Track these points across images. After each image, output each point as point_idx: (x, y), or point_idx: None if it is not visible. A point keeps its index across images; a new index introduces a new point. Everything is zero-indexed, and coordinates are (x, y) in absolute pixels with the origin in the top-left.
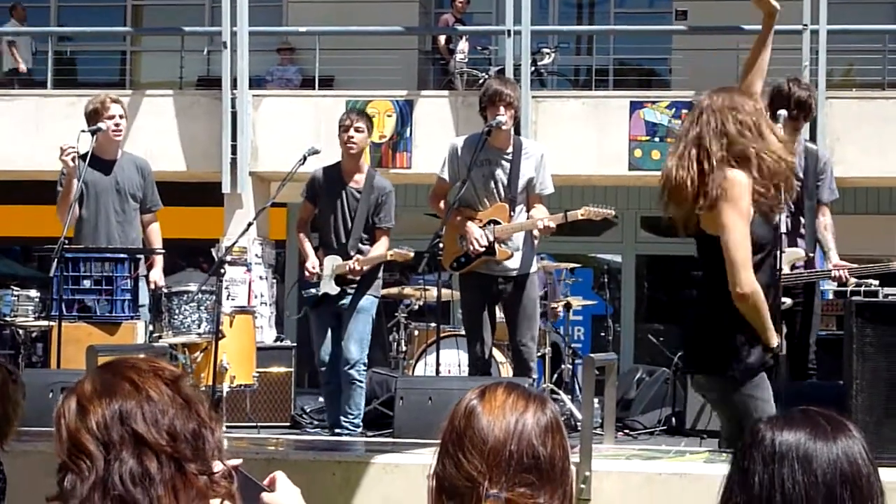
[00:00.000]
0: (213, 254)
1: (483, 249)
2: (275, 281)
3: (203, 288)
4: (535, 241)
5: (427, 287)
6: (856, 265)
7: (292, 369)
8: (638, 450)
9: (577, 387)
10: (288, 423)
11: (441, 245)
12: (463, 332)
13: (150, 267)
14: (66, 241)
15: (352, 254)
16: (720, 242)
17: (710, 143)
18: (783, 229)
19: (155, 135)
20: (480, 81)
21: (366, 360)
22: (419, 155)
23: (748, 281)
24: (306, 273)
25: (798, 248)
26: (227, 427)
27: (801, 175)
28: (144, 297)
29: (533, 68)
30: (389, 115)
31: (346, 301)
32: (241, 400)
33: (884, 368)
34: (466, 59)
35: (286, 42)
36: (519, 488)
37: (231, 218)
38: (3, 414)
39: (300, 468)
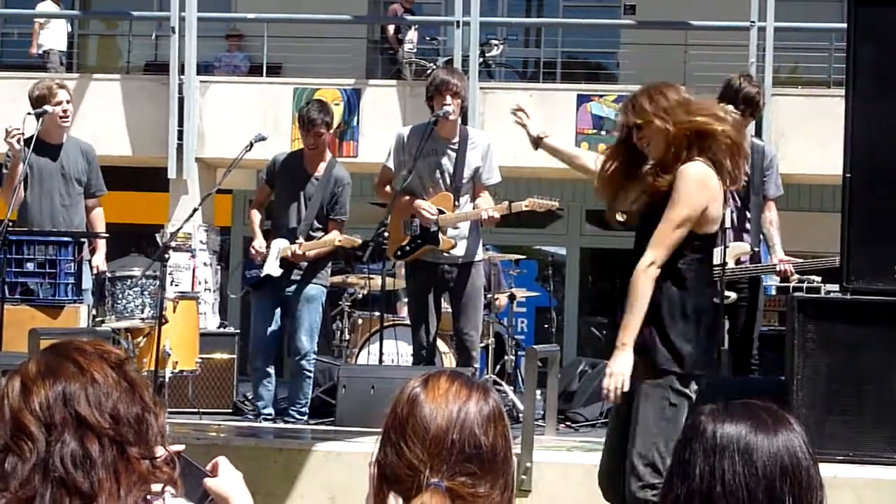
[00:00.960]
0: (158, 239)
1: (434, 217)
2: (219, 267)
3: (147, 273)
4: (480, 235)
5: (371, 276)
6: (800, 260)
7: (235, 356)
8: (579, 442)
9: (519, 378)
10: (230, 410)
11: (386, 234)
12: (407, 322)
13: (93, 251)
14: (10, 224)
15: (301, 240)
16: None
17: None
18: (728, 224)
19: (101, 119)
20: (428, 72)
21: (315, 349)
22: (366, 144)
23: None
24: (251, 252)
25: (743, 243)
26: (170, 413)
27: (747, 170)
28: (88, 282)
29: (481, 59)
30: (337, 104)
31: (292, 288)
32: (183, 386)
33: (825, 364)
34: (415, 49)
35: (234, 28)
36: (460, 477)
37: (176, 203)
38: None
39: (242, 455)
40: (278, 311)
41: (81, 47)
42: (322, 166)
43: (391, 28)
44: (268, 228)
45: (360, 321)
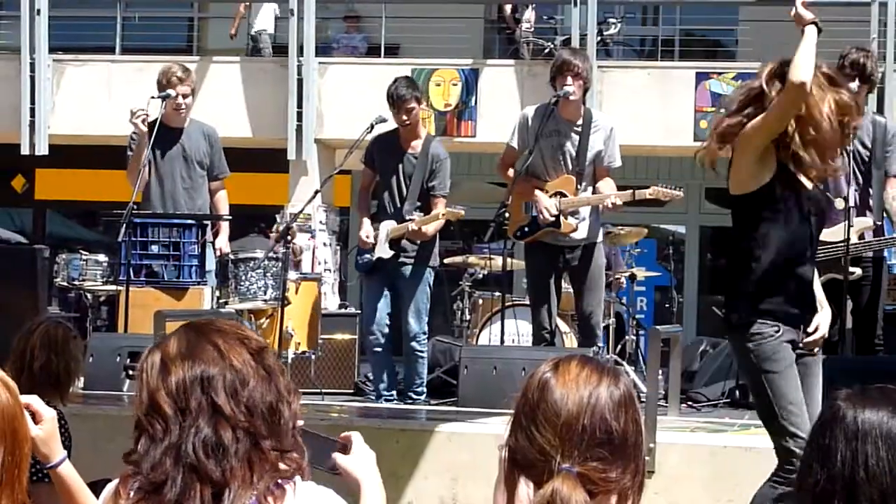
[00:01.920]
0: (278, 220)
1: (552, 219)
2: (338, 248)
3: (269, 255)
4: (599, 216)
5: (491, 256)
6: None
7: (356, 336)
8: (702, 422)
9: (640, 358)
10: (351, 390)
11: (507, 214)
12: (527, 302)
13: (216, 234)
14: (135, 207)
15: (407, 218)
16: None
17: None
18: (851, 203)
19: (221, 101)
20: (546, 51)
21: (426, 330)
22: (484, 124)
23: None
24: (360, 241)
25: (866, 218)
26: None
27: (868, 145)
28: (211, 263)
29: (599, 38)
30: (455, 84)
31: (403, 271)
32: (305, 367)
33: None
34: (532, 29)
35: (352, 10)
36: (591, 462)
37: (296, 185)
38: (65, 369)
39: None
40: (389, 292)
41: (201, 30)
42: (418, 143)
43: (508, 7)
44: (374, 211)
45: (480, 301)
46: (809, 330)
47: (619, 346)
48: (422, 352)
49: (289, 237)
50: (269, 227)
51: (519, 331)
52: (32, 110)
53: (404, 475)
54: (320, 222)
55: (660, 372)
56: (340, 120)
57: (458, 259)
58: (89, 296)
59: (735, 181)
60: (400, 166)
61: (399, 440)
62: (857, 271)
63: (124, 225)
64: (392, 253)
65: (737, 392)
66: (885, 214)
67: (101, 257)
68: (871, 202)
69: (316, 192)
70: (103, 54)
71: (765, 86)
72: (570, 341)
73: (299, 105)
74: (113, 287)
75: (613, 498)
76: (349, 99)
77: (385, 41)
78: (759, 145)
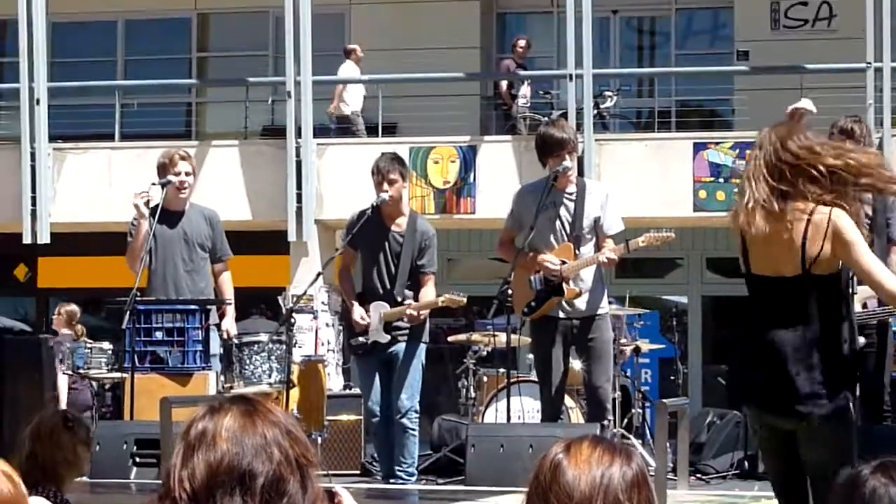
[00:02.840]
0: (280, 302)
1: (557, 267)
2: (341, 328)
3: (273, 338)
4: (604, 287)
5: (495, 333)
6: None
7: (361, 417)
8: (713, 495)
9: (647, 431)
10: (358, 471)
11: (510, 291)
12: (532, 378)
13: (221, 316)
14: (138, 293)
15: (399, 300)
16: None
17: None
18: None
19: (221, 184)
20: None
21: (417, 408)
22: (483, 200)
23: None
24: (355, 325)
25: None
26: None
27: (869, 213)
28: (215, 347)
29: (595, 111)
30: (453, 161)
31: (395, 349)
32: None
33: None
34: (529, 104)
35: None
36: None
37: (297, 266)
38: (51, 458)
39: None
40: (382, 371)
41: (199, 114)
42: (403, 220)
43: (504, 84)
44: (360, 292)
45: (485, 378)
46: None
47: (626, 420)
48: (413, 429)
49: (291, 320)
50: (270, 309)
51: (524, 407)
52: (34, 199)
53: None
54: (322, 303)
55: (667, 444)
56: (340, 200)
57: (462, 336)
58: (94, 383)
59: (815, 261)
60: (386, 245)
61: None
62: (862, 340)
63: (128, 312)
64: (388, 338)
65: (746, 463)
66: None
67: (106, 345)
68: None
69: (318, 275)
70: (103, 141)
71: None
72: (576, 416)
73: (298, 186)
74: (118, 374)
75: None
76: (348, 179)
77: (382, 121)
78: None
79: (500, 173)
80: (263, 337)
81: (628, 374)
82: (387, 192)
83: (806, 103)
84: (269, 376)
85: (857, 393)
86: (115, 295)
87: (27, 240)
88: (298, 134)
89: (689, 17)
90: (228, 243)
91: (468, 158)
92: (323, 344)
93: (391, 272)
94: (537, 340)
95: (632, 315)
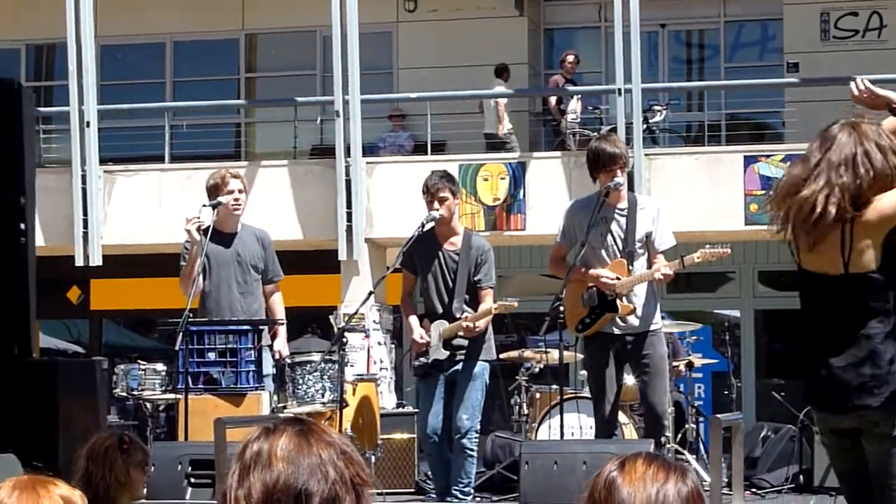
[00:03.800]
0: (332, 321)
1: (614, 280)
2: (393, 346)
3: (326, 357)
4: (657, 302)
5: (548, 349)
6: None
7: (415, 435)
8: None
9: (701, 446)
10: (412, 490)
11: (562, 308)
12: (585, 394)
13: (273, 336)
14: (191, 314)
15: (458, 316)
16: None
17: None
18: None
19: (271, 205)
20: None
21: (478, 428)
22: (533, 216)
23: None
24: (415, 345)
25: None
26: None
27: None
28: (268, 367)
29: (645, 126)
30: (503, 178)
31: (458, 367)
32: None
33: None
34: (578, 119)
35: (397, 108)
36: None
37: (348, 285)
38: (103, 480)
39: None
40: (444, 392)
41: (248, 135)
42: (457, 239)
43: (553, 99)
44: (421, 313)
45: (538, 395)
46: None
47: (680, 435)
48: (472, 450)
49: (343, 339)
50: (322, 329)
51: (578, 424)
52: (85, 222)
53: None
54: (374, 321)
55: (722, 459)
56: (390, 219)
57: (514, 353)
58: (148, 405)
59: (866, 259)
60: (442, 264)
61: None
62: None
63: (181, 333)
64: (447, 354)
65: (801, 477)
66: None
67: (160, 366)
68: None
69: (370, 294)
70: (153, 163)
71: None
72: (630, 433)
73: (348, 205)
74: (172, 395)
75: None
76: (398, 197)
77: (431, 138)
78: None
79: (550, 189)
80: (316, 356)
81: (682, 389)
82: (438, 210)
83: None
84: (323, 396)
85: None
86: (166, 316)
87: (79, 262)
88: (348, 153)
89: (737, 29)
90: (280, 263)
91: (518, 175)
92: (375, 363)
93: (449, 290)
94: (591, 357)
95: (683, 330)
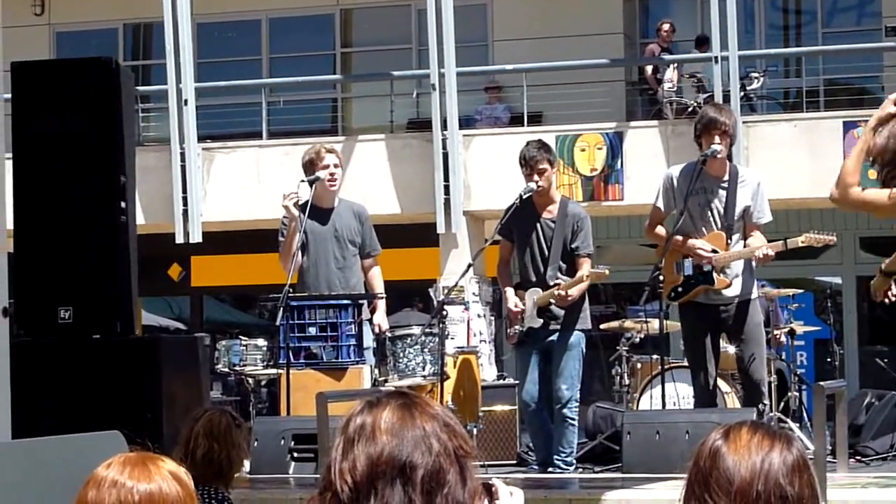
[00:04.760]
0: (431, 294)
1: (709, 254)
2: (493, 318)
3: (426, 330)
4: (753, 272)
5: (647, 319)
6: None
7: (516, 407)
8: (873, 477)
9: (804, 414)
10: (514, 461)
11: (661, 277)
12: (685, 364)
13: (372, 311)
14: (291, 290)
15: (552, 284)
16: None
17: None
18: None
19: (368, 179)
20: (689, 109)
21: (577, 397)
22: (631, 186)
23: None
24: (510, 314)
25: None
26: None
27: None
28: (369, 340)
29: (742, 93)
30: (600, 148)
31: (554, 338)
32: None
33: None
34: (675, 88)
35: (493, 80)
36: None
37: (447, 257)
38: (227, 457)
39: None
40: (541, 361)
41: (345, 110)
42: (554, 208)
43: (649, 68)
44: (517, 282)
45: (639, 365)
46: None
47: (783, 404)
48: (572, 419)
49: (443, 312)
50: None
51: (679, 393)
52: (185, 199)
53: None
54: (473, 294)
55: (826, 427)
56: (487, 191)
57: (614, 324)
58: (250, 380)
59: None
60: (538, 233)
61: None
62: None
63: (281, 308)
64: (541, 321)
65: None
66: None
67: (261, 342)
68: None
69: (469, 266)
70: (251, 140)
71: None
72: (732, 401)
73: (446, 178)
74: (273, 370)
75: None
76: (495, 170)
77: (527, 110)
78: None
79: (648, 159)
80: (416, 330)
81: (784, 357)
82: (536, 181)
83: None
84: (423, 369)
85: None
86: (266, 292)
87: (180, 240)
88: (444, 126)
89: None
90: (378, 237)
91: (615, 145)
92: (475, 335)
93: (544, 258)
94: (687, 327)
95: (785, 297)
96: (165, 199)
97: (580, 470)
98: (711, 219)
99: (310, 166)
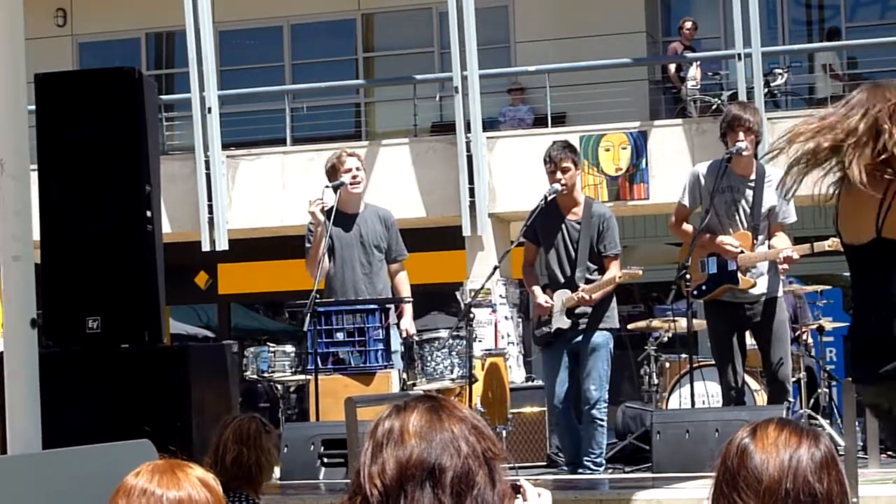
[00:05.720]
0: (458, 297)
1: (738, 250)
2: (520, 320)
3: (453, 333)
4: (781, 267)
5: (675, 318)
6: None
7: (545, 408)
8: None
9: (835, 410)
10: (544, 463)
11: (688, 276)
12: (714, 363)
13: (399, 315)
14: (318, 296)
15: (580, 285)
16: None
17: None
18: None
19: (393, 183)
20: (713, 107)
21: (606, 398)
22: (656, 185)
23: None
24: (539, 308)
25: None
26: None
27: None
28: (396, 344)
29: (766, 90)
30: (624, 148)
31: (580, 338)
32: None
33: None
34: (698, 86)
35: (516, 82)
36: None
37: (473, 260)
38: (256, 462)
39: None
40: (569, 361)
41: (368, 115)
42: (578, 209)
43: (672, 67)
44: (545, 283)
45: (667, 364)
46: None
47: (812, 400)
48: (601, 420)
49: (470, 315)
50: (449, 306)
51: (709, 392)
52: (210, 207)
53: None
54: (500, 296)
55: (856, 423)
56: (513, 193)
57: (642, 324)
58: (279, 387)
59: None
60: (564, 235)
61: None
62: None
63: (309, 314)
64: (570, 322)
65: None
66: None
67: (289, 348)
68: None
69: (495, 268)
70: (275, 146)
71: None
72: (761, 399)
73: (470, 181)
74: (302, 377)
75: None
76: (520, 171)
77: (551, 111)
78: None
79: (673, 157)
80: (443, 333)
81: (813, 353)
82: (560, 180)
83: None
84: (451, 372)
85: None
86: (294, 298)
87: (206, 247)
88: (468, 129)
89: None
90: (403, 241)
91: (639, 144)
92: (503, 337)
93: (571, 260)
94: (712, 325)
95: (813, 293)
96: (191, 208)
97: (610, 470)
98: (738, 218)
99: (332, 172)
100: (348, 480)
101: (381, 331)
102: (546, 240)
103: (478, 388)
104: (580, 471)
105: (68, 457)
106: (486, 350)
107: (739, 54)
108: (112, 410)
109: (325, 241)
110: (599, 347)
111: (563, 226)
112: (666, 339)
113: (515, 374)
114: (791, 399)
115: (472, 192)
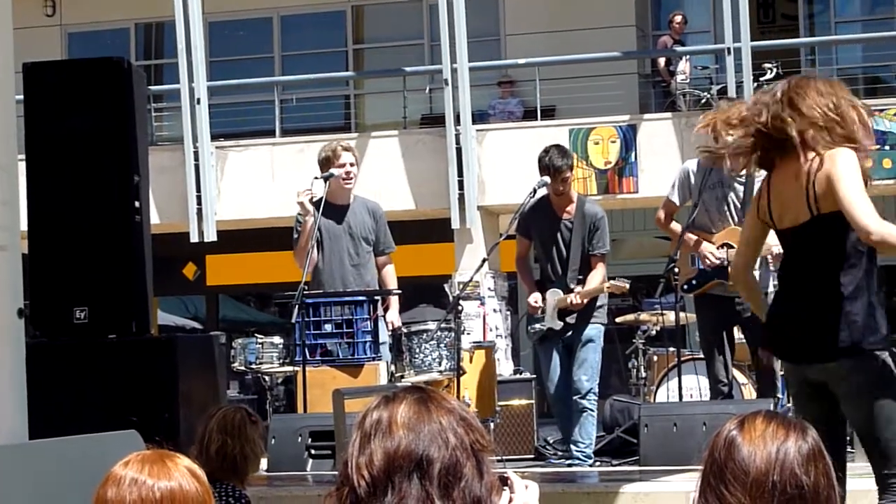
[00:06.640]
0: (446, 289)
1: (718, 262)
2: (508, 313)
3: (442, 325)
4: (770, 262)
5: (663, 312)
6: None
7: (533, 401)
8: None
9: None
10: (532, 455)
11: (677, 269)
12: (702, 356)
13: (386, 308)
14: (306, 287)
15: (571, 286)
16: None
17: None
18: None
19: (382, 175)
20: (703, 101)
21: (596, 390)
22: (645, 179)
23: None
24: (530, 308)
25: None
26: None
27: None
28: (384, 335)
29: (755, 85)
30: (613, 141)
31: (572, 333)
32: None
33: None
34: (688, 80)
35: (506, 75)
36: None
37: (462, 253)
38: (241, 453)
39: (549, 500)
40: (562, 354)
41: (358, 106)
42: (572, 207)
43: (662, 61)
44: (536, 279)
45: (655, 358)
46: None
47: None
48: (591, 410)
49: (459, 307)
50: (437, 298)
51: (696, 385)
52: (199, 198)
53: None
54: (489, 289)
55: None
56: (502, 185)
57: (630, 317)
58: (267, 378)
59: (831, 198)
60: (558, 234)
61: (585, 503)
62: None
63: (297, 306)
64: (562, 324)
65: None
66: None
67: (277, 339)
68: None
69: (483, 261)
70: (264, 138)
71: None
72: (749, 392)
73: (460, 174)
74: (289, 368)
75: None
76: (509, 164)
77: (540, 103)
78: None
79: (662, 151)
80: (432, 325)
81: None
82: (559, 189)
83: None
84: (440, 364)
85: None
86: (282, 290)
87: (194, 239)
88: (457, 121)
89: None
90: (392, 233)
91: (628, 138)
92: (491, 329)
93: (563, 260)
94: (702, 318)
95: None
96: (179, 199)
97: (598, 463)
98: (728, 213)
99: (326, 163)
100: (336, 472)
101: (369, 322)
102: (540, 239)
103: (466, 380)
104: (568, 463)
105: (55, 447)
106: (474, 342)
107: (729, 48)
108: (99, 401)
109: (314, 233)
110: (592, 339)
111: (557, 225)
112: (654, 332)
113: (504, 366)
114: (779, 395)
115: (461, 184)
